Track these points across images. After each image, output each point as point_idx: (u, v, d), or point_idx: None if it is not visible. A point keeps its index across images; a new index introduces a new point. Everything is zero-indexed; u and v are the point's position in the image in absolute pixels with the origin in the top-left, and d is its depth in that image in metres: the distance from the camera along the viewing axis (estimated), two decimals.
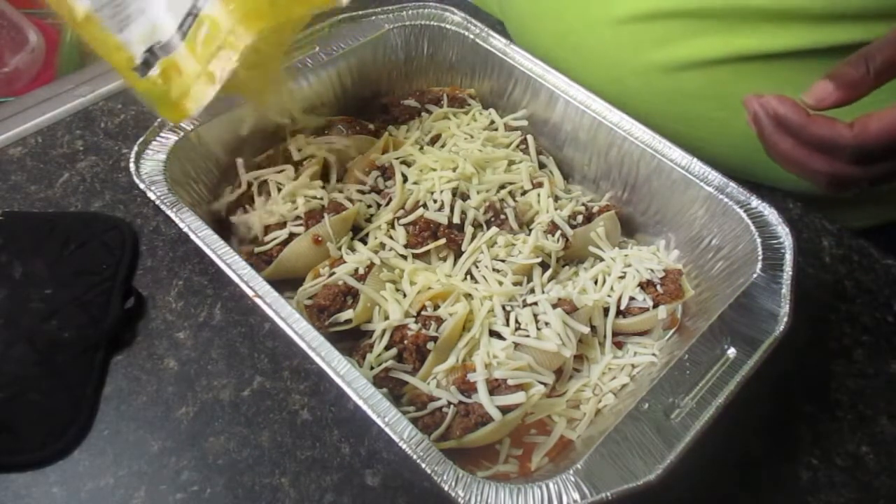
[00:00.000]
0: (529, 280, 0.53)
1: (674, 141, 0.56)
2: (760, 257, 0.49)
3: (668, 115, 0.62)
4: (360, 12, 0.64)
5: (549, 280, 0.54)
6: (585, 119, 0.59)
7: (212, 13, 0.45)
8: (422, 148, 0.59)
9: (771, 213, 0.51)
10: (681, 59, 0.58)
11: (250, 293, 0.44)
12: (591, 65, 0.64)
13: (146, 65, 0.46)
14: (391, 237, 0.54)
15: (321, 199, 0.54)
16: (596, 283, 0.54)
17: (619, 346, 0.52)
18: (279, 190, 0.55)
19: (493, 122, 0.64)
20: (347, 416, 0.49)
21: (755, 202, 0.52)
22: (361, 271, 0.50)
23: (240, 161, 0.57)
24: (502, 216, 0.55)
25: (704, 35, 0.57)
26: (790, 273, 0.48)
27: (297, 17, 0.48)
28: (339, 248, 0.53)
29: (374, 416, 0.39)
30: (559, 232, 0.55)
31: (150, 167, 0.51)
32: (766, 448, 0.50)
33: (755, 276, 0.48)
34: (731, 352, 0.44)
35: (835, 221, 0.65)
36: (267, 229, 0.53)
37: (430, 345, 0.47)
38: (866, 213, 0.68)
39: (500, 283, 0.51)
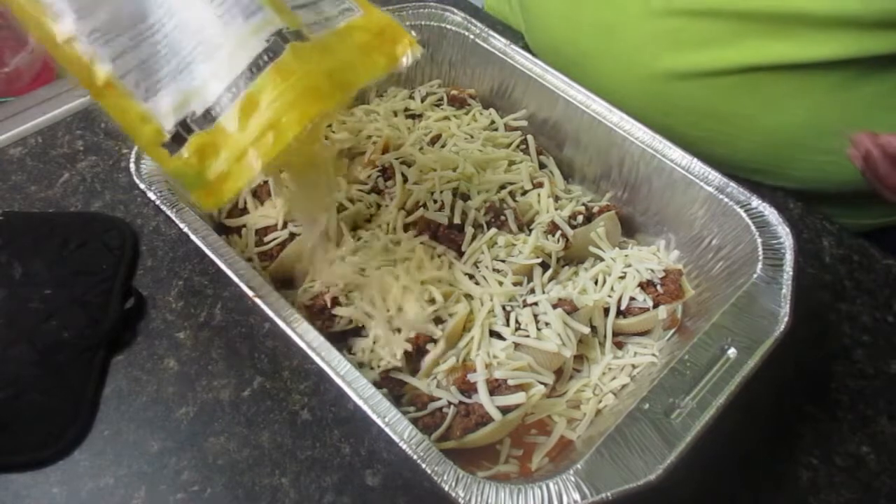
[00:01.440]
0: (529, 280, 0.53)
1: (688, 140, 0.55)
2: (760, 257, 0.49)
3: (694, 112, 0.62)
4: None
5: (550, 280, 0.54)
6: (585, 119, 0.59)
7: (263, 88, 0.38)
8: (422, 148, 0.59)
9: (771, 213, 0.51)
10: (718, 62, 0.58)
11: (250, 293, 0.44)
12: (620, 61, 0.64)
13: (177, 140, 0.39)
14: None
15: None
16: (596, 283, 0.54)
17: (619, 346, 0.52)
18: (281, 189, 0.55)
19: (493, 122, 0.64)
20: (347, 416, 0.49)
21: (755, 202, 0.52)
22: None
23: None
24: (502, 217, 0.55)
25: (747, 38, 0.56)
26: (790, 273, 0.48)
27: (354, 90, 0.42)
28: None
29: (374, 417, 0.39)
30: (559, 232, 0.55)
31: (150, 167, 0.51)
32: (766, 448, 0.50)
33: (755, 276, 0.48)
34: (731, 352, 0.44)
35: (835, 222, 0.65)
36: (267, 230, 0.53)
37: (429, 345, 0.47)
38: (872, 212, 0.68)
39: (501, 284, 0.51)
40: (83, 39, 0.37)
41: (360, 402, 0.40)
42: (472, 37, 0.64)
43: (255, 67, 0.38)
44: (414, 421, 0.41)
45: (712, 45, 0.58)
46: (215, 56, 0.38)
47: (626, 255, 0.55)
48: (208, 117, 0.38)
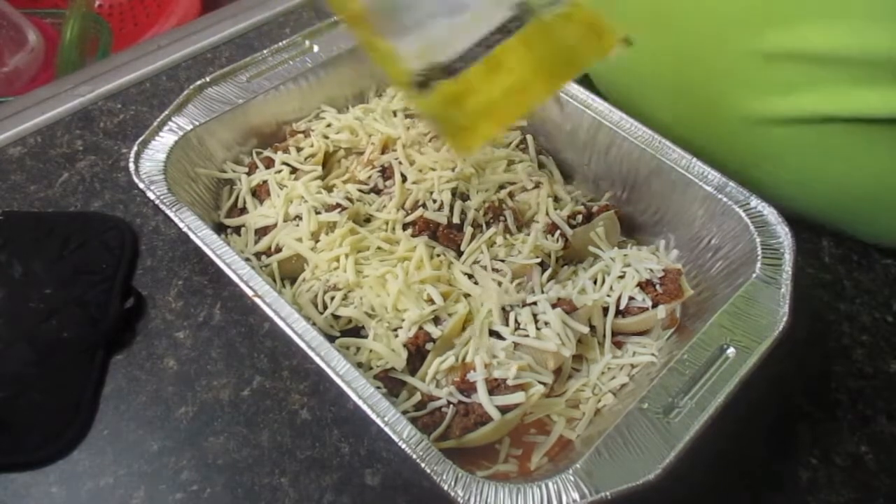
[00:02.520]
0: (529, 280, 0.53)
1: (749, 182, 0.53)
2: (760, 257, 0.49)
3: (760, 156, 0.59)
4: None
5: (549, 280, 0.54)
6: (585, 119, 0.59)
7: (509, 52, 0.43)
8: (421, 148, 0.59)
9: (770, 213, 0.51)
10: (793, 108, 0.53)
11: (250, 293, 0.44)
12: (686, 97, 0.60)
13: (423, 84, 0.42)
14: None
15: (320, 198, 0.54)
16: (595, 282, 0.54)
17: (618, 345, 0.52)
18: (281, 189, 0.55)
19: None
20: (347, 415, 0.49)
21: (754, 202, 0.52)
22: None
23: (238, 175, 0.57)
24: (502, 216, 0.55)
25: (830, 86, 0.52)
26: (790, 273, 0.48)
27: (572, 77, 0.48)
28: None
29: (373, 416, 0.39)
30: (558, 232, 0.55)
31: (149, 167, 0.51)
32: (766, 448, 0.50)
33: (755, 275, 0.48)
34: (731, 352, 0.44)
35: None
36: (266, 229, 0.53)
37: (429, 345, 0.47)
38: None
39: (500, 283, 0.51)
40: None
41: (359, 402, 0.40)
42: None
43: (504, 31, 0.43)
44: (413, 420, 0.41)
45: (788, 90, 0.53)
46: (462, 13, 0.42)
47: (625, 255, 0.55)
48: (452, 69, 0.42)
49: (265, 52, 0.60)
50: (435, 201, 0.54)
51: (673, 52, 0.59)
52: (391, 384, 0.46)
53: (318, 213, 0.53)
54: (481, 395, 0.44)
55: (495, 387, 0.45)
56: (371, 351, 0.47)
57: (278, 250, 0.52)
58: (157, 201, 0.49)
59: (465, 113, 0.42)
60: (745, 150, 0.59)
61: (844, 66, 0.50)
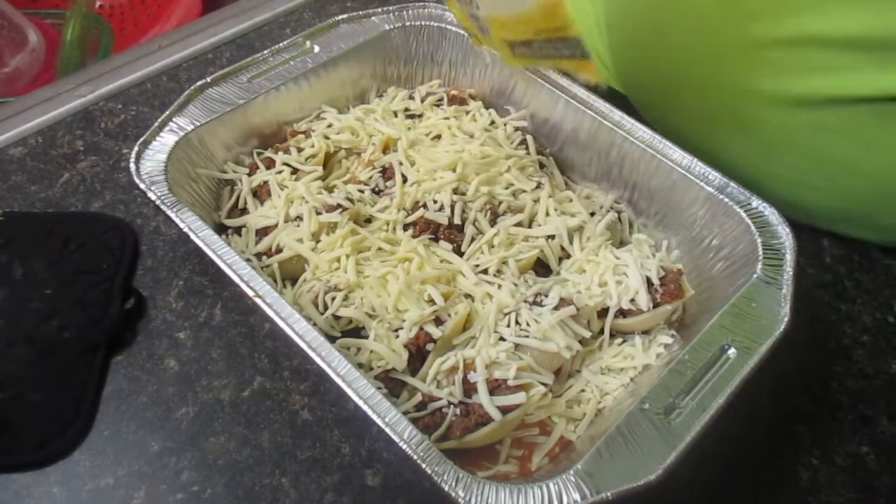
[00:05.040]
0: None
1: (774, 183, 0.53)
2: (761, 257, 0.49)
3: (791, 149, 0.57)
4: (360, 12, 0.64)
5: (549, 280, 0.54)
6: (585, 119, 0.59)
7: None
8: (421, 148, 0.59)
9: (771, 213, 0.51)
10: (820, 92, 0.52)
11: (250, 293, 0.44)
12: (713, 90, 0.59)
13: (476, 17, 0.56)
14: None
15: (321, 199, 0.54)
16: (596, 283, 0.53)
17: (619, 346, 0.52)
18: (281, 189, 0.55)
19: (493, 121, 0.64)
20: (347, 416, 0.49)
21: (755, 202, 0.52)
22: None
23: (240, 177, 0.57)
24: (502, 217, 0.55)
25: (853, 70, 0.50)
26: (790, 273, 0.48)
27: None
28: None
29: (374, 417, 0.39)
30: (559, 232, 0.55)
31: (150, 167, 0.51)
32: (766, 448, 0.50)
33: (755, 276, 0.48)
34: (732, 352, 0.44)
35: None
36: (267, 230, 0.53)
37: (430, 345, 0.47)
38: None
39: (500, 284, 0.51)
40: None
41: (360, 402, 0.40)
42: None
43: None
44: (414, 421, 0.41)
45: (820, 72, 0.52)
46: None
47: (626, 255, 0.55)
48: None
49: (266, 52, 0.60)
50: (436, 202, 0.54)
51: (686, 47, 0.59)
52: (392, 385, 0.46)
53: (318, 213, 0.53)
54: (482, 396, 0.44)
55: (496, 387, 0.45)
56: (372, 351, 0.47)
57: (279, 251, 0.52)
58: (157, 202, 0.49)
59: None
60: (774, 143, 0.58)
61: (872, 49, 0.49)
